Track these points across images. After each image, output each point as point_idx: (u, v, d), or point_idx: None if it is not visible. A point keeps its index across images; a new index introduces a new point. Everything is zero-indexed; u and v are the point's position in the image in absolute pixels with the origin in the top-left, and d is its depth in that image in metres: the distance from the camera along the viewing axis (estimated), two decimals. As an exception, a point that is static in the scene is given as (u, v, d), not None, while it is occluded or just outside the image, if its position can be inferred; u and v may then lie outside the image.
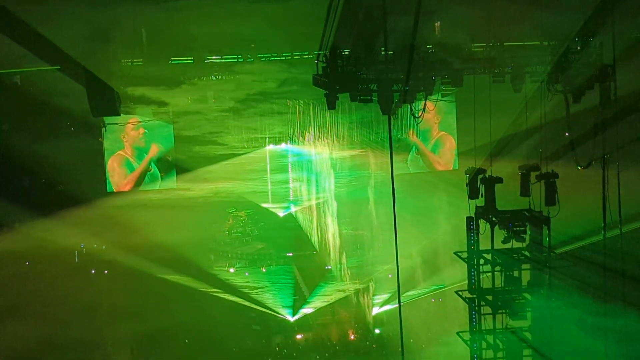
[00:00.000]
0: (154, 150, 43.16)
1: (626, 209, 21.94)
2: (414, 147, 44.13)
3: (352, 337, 38.99)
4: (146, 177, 43.36)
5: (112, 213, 42.08)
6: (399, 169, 43.83)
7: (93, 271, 42.95)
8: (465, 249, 24.12)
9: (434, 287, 40.35)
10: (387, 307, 40.54)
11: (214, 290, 41.80)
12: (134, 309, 38.69)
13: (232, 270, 44.73)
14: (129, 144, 42.89)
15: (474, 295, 23.96)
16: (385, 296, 41.36)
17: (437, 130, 43.75)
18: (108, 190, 42.90)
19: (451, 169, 43.36)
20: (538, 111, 24.07)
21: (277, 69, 39.32)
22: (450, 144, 43.67)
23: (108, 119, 40.60)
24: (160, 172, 43.46)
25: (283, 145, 45.24)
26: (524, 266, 23.84)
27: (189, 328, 37.97)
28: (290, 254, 45.69)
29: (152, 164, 43.32)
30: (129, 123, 42.21)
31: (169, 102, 41.52)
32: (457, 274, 31.64)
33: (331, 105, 24.34)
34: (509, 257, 23.73)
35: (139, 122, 42.58)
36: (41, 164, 40.15)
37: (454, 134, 43.57)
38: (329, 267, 44.82)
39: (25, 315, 37.15)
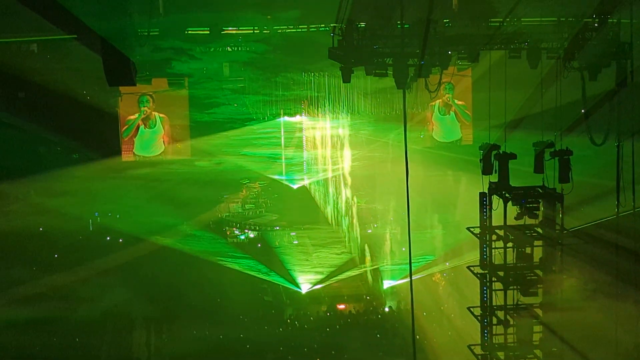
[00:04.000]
0: (169, 119, 43.27)
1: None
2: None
3: (363, 310, 39.14)
4: (161, 145, 43.48)
5: (126, 182, 42.35)
6: (414, 142, 43.84)
7: (108, 238, 43.17)
8: (478, 225, 24.13)
9: (446, 262, 40.43)
10: (399, 281, 40.65)
11: (226, 260, 42.01)
12: (146, 278, 39.00)
13: (244, 240, 44.94)
14: (145, 113, 42.98)
15: (486, 271, 23.99)
16: (397, 269, 41.46)
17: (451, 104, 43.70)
18: (123, 159, 43.07)
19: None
20: (553, 88, 23.97)
21: (294, 41, 39.22)
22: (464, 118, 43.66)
23: (124, 89, 40.65)
24: (174, 141, 43.57)
25: (297, 117, 45.24)
26: (536, 243, 23.82)
27: (200, 298, 38.21)
28: (303, 226, 45.82)
29: (167, 132, 43.43)
30: (145, 93, 42.28)
31: (185, 72, 41.57)
32: (469, 249, 31.69)
33: (346, 79, 24.36)
34: (521, 234, 23.71)
35: (155, 91, 42.66)
36: (57, 132, 40.38)
37: (469, 109, 43.46)
38: (342, 240, 44.97)
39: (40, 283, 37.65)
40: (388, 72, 23.75)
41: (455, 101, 43.42)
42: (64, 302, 36.51)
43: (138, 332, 35.66)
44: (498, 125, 25.88)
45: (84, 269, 39.57)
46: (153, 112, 42.89)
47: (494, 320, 23.98)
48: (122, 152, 42.98)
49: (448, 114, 43.69)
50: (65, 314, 35.57)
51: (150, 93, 42.60)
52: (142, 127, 42.74)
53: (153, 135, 43.04)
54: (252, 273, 41.48)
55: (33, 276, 38.32)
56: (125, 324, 36.30)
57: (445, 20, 25.47)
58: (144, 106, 42.62)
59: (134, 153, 42.74)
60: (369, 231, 45.41)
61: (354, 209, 45.39)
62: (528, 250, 23.82)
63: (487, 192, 23.87)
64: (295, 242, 45.01)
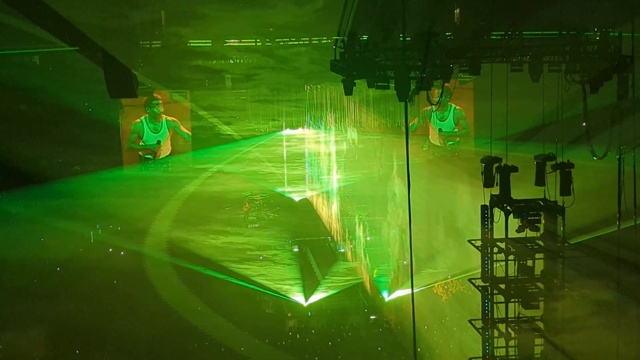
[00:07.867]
0: (170, 130, 43.34)
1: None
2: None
3: (365, 323, 39.06)
4: (161, 157, 43.51)
5: (127, 195, 42.30)
6: (417, 155, 43.90)
7: (110, 249, 43.05)
8: (479, 237, 24.13)
9: (448, 275, 40.35)
10: (400, 294, 40.55)
11: (227, 273, 41.91)
12: (145, 292, 38.95)
13: (246, 251, 44.86)
14: (145, 123, 43.04)
15: (487, 284, 23.98)
16: (398, 282, 41.38)
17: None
18: (125, 171, 43.09)
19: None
20: (555, 100, 24.03)
21: (295, 53, 39.32)
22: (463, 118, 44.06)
23: (125, 100, 40.74)
24: (175, 153, 43.63)
25: (299, 130, 45.27)
26: (537, 255, 23.83)
27: (201, 311, 38.13)
28: (305, 238, 45.79)
29: (168, 144, 43.49)
30: (155, 97, 42.41)
31: (186, 84, 41.66)
32: (470, 262, 31.65)
33: (348, 91, 24.37)
34: (522, 246, 23.72)
35: (157, 103, 42.72)
36: (58, 144, 40.41)
37: (470, 121, 43.58)
38: (343, 252, 44.92)
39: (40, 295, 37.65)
40: (390, 84, 23.79)
41: (454, 106, 43.83)
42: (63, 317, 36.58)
43: (139, 346, 35.55)
44: (500, 138, 25.96)
45: (84, 282, 39.62)
46: (162, 115, 43.03)
47: (496, 333, 23.97)
48: (124, 162, 43.10)
49: (445, 116, 44.22)
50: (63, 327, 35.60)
51: (159, 97, 42.66)
52: (148, 129, 42.85)
53: (159, 136, 43.12)
54: (253, 286, 41.35)
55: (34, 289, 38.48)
56: (125, 338, 36.17)
57: (447, 34, 25.51)
58: (154, 107, 42.70)
59: (139, 155, 42.89)
60: (371, 243, 45.33)
61: (356, 221, 45.35)
62: (529, 262, 23.84)
63: (488, 204, 23.89)
64: (296, 254, 44.94)
